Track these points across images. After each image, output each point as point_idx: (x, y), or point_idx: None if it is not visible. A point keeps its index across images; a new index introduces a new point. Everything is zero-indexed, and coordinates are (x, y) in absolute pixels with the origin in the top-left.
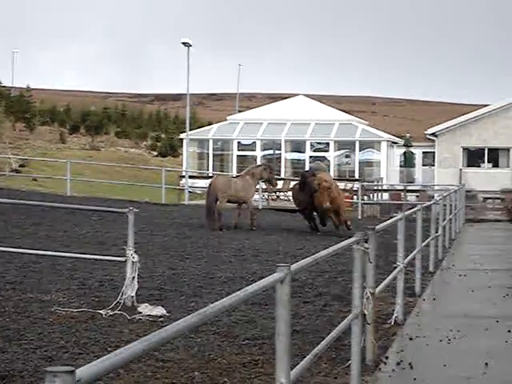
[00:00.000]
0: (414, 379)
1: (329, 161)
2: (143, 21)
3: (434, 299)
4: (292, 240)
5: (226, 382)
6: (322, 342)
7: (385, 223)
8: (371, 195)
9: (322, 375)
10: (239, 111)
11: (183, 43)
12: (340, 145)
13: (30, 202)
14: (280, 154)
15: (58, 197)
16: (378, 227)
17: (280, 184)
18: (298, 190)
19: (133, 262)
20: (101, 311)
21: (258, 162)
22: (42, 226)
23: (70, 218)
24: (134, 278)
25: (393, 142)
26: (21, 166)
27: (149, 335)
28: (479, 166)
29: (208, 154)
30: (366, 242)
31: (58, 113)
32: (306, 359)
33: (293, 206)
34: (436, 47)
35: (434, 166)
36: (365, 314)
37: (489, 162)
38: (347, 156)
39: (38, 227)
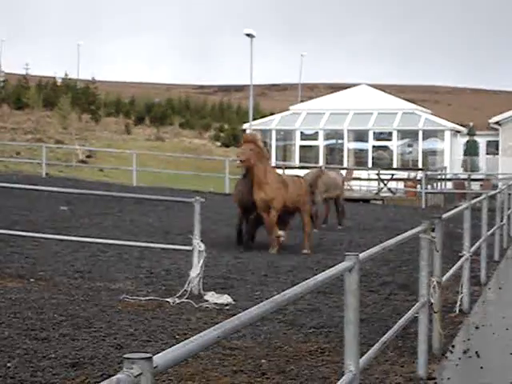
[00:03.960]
0: (481, 368)
1: (392, 150)
2: (207, 12)
3: (500, 288)
4: (355, 229)
5: (293, 370)
6: (390, 331)
7: (451, 212)
8: (435, 184)
9: (388, 363)
10: (301, 101)
11: (247, 34)
12: (403, 134)
13: (98, 192)
14: (343, 143)
15: (124, 187)
16: (444, 216)
17: (343, 173)
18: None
19: (199, 250)
20: (168, 299)
21: (321, 152)
22: (109, 215)
23: (136, 208)
24: (200, 266)
25: (456, 131)
26: (87, 156)
27: (223, 322)
28: None
29: (271, 144)
30: (433, 230)
31: (123, 104)
32: (374, 347)
33: (355, 195)
34: (499, 36)
35: (498, 154)
36: (431, 303)
37: None
38: (409, 145)
39: (106, 217)
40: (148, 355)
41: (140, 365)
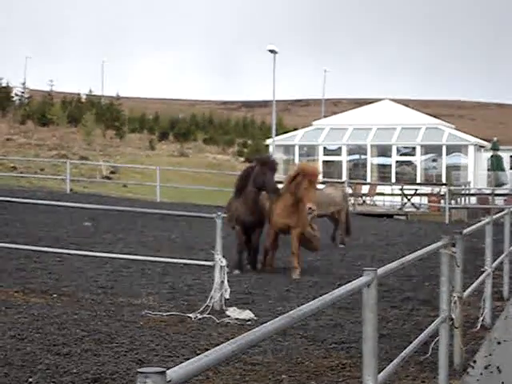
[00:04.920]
0: (502, 383)
1: (415, 165)
2: (231, 28)
3: None
4: (378, 245)
5: None
6: (410, 346)
7: (472, 227)
8: (459, 199)
9: (409, 379)
10: (325, 117)
11: (270, 50)
12: (427, 149)
13: (121, 208)
14: (366, 158)
15: (147, 203)
16: (465, 231)
17: (366, 189)
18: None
19: (221, 266)
20: (190, 315)
21: (344, 168)
22: (132, 231)
23: (159, 224)
24: (222, 282)
25: (480, 146)
26: (111, 172)
27: (237, 337)
28: None
29: (294, 159)
30: (454, 246)
31: (147, 120)
32: (393, 363)
33: (379, 210)
34: None
35: None
36: (452, 318)
37: None
38: (434, 160)
39: (129, 232)
40: (161, 369)
41: (153, 379)
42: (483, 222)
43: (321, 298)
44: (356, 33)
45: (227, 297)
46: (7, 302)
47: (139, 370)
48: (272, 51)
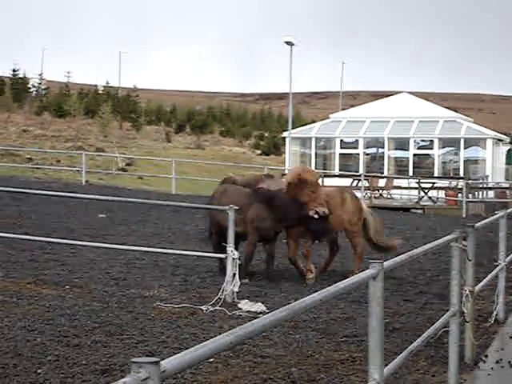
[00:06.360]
0: None
1: (433, 158)
2: (248, 21)
3: None
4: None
5: (323, 379)
6: (418, 340)
7: (485, 221)
8: (476, 193)
9: (420, 373)
10: (343, 109)
11: (286, 42)
12: (444, 142)
13: (136, 200)
14: (383, 151)
15: (163, 195)
16: (477, 225)
17: (383, 182)
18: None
19: (233, 258)
20: (202, 307)
21: (361, 160)
22: (147, 223)
23: (174, 216)
24: (234, 274)
25: (499, 140)
26: (127, 164)
27: (235, 328)
28: None
29: (310, 152)
30: (465, 239)
31: (164, 112)
32: (400, 356)
33: (395, 204)
34: None
35: None
36: (463, 312)
37: None
38: (456, 154)
39: (144, 224)
40: (155, 359)
41: (147, 369)
42: (497, 216)
43: (325, 289)
44: (375, 25)
45: (236, 290)
46: (19, 293)
47: (133, 360)
48: (289, 43)
